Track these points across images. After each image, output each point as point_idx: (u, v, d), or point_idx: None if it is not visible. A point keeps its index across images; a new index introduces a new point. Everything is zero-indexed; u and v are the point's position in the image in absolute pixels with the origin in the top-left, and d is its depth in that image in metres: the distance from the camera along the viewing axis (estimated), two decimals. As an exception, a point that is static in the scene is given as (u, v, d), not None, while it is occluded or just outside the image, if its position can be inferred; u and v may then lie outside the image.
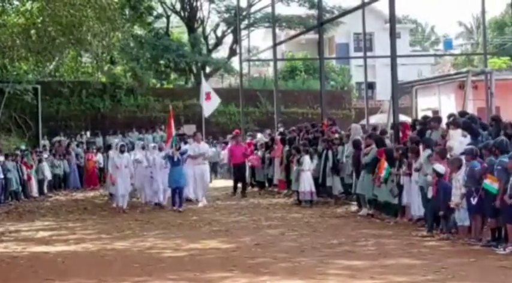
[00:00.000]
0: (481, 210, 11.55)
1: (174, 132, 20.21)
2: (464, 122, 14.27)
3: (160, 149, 20.29)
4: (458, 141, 13.39)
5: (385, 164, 14.88)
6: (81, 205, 21.56)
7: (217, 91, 37.62)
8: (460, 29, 70.72)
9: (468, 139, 13.47)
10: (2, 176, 21.89)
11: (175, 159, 18.75)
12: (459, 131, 13.84)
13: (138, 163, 20.15)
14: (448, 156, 12.87)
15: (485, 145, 12.00)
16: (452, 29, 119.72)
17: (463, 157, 12.23)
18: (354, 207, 17.21)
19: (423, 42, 74.52)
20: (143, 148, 21.30)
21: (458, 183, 11.97)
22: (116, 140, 30.80)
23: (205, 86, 26.89)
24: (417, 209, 13.95)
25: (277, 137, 23.06)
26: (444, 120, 16.17)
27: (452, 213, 12.25)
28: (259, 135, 27.17)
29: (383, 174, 14.87)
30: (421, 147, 14.00)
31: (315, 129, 21.39)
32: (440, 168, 12.40)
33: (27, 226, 16.54)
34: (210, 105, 26.84)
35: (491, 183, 11.10)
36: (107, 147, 24.66)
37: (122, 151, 19.46)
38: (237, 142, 23.26)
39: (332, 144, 18.97)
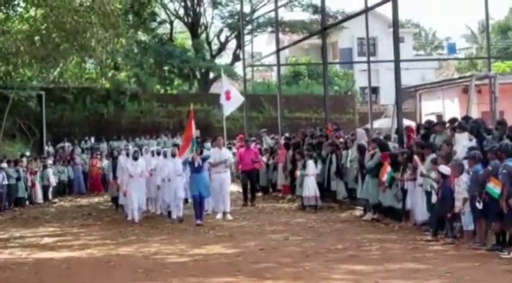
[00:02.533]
0: (486, 214, 11.54)
1: (194, 135, 17.36)
2: (471, 125, 14.28)
3: (173, 155, 18.04)
4: (462, 145, 13.38)
5: (388, 168, 14.87)
6: (86, 211, 21.62)
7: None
8: (465, 31, 70.79)
9: (473, 143, 13.46)
10: (6, 182, 21.95)
11: (196, 164, 16.63)
12: (465, 135, 13.84)
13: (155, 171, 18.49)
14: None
15: (491, 148, 11.99)
16: (455, 33, 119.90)
17: (465, 162, 12.24)
18: (358, 212, 17.20)
19: (426, 46, 74.48)
20: (158, 154, 19.25)
21: (460, 188, 11.97)
22: (123, 143, 30.90)
23: (225, 85, 24.00)
24: (421, 214, 13.93)
25: (282, 142, 23.03)
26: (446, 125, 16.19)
27: (457, 216, 12.25)
28: (268, 139, 26.66)
29: (385, 178, 14.86)
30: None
31: (320, 134, 21.42)
32: (445, 169, 12.41)
33: (31, 232, 16.57)
34: (231, 104, 23.78)
35: (494, 187, 11.09)
36: (111, 152, 23.96)
37: (135, 158, 17.96)
38: (246, 147, 21.58)
39: (336, 149, 18.97)
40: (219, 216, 17.63)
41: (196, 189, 16.55)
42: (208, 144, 18.94)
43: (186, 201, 18.51)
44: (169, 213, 18.05)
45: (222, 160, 17.83)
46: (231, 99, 22.82)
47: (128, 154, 18.55)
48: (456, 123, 14.85)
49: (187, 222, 16.95)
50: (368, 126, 27.80)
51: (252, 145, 23.49)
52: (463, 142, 13.47)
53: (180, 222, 17.05)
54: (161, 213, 18.82)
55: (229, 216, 17.59)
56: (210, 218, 17.71)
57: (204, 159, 16.91)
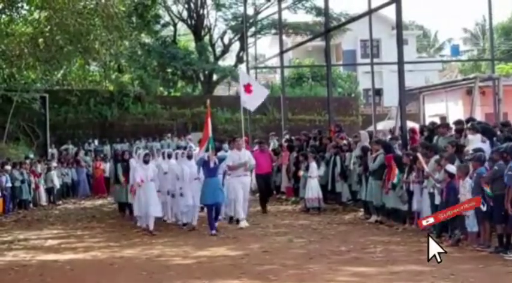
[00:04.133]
0: (490, 216, 11.52)
1: (210, 133, 15.71)
2: (484, 127, 14.30)
3: (189, 157, 16.39)
4: (475, 146, 13.37)
5: (396, 170, 14.86)
6: (90, 213, 21.62)
7: (225, 98, 37.81)
8: (464, 34, 70.78)
9: (487, 144, 13.47)
10: (10, 185, 21.98)
11: (212, 165, 15.10)
12: (478, 136, 13.85)
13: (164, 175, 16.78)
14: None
15: (496, 150, 11.97)
16: (456, 35, 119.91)
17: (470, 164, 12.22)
18: (362, 214, 17.17)
19: (429, 48, 74.48)
20: (170, 156, 17.46)
21: (465, 189, 11.95)
22: (126, 145, 30.78)
23: (244, 77, 20.50)
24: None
25: (284, 144, 22.98)
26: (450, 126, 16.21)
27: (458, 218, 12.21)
28: (276, 142, 26.28)
29: (395, 180, 14.85)
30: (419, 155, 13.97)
31: (321, 136, 21.41)
32: (452, 168, 12.38)
33: (35, 235, 16.58)
34: (253, 98, 19.92)
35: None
36: (115, 155, 23.15)
37: (146, 162, 16.06)
38: (261, 149, 20.00)
39: (340, 151, 18.97)
40: (242, 223, 16.13)
41: (211, 196, 15.05)
42: (225, 146, 17.26)
43: (201, 209, 16.64)
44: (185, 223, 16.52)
45: (242, 162, 16.43)
46: (252, 92, 19.69)
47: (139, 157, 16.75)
48: (469, 125, 14.84)
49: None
50: (372, 128, 27.80)
51: (256, 147, 22.91)
52: (477, 144, 13.47)
53: (190, 230, 15.85)
54: (176, 221, 17.11)
55: (245, 223, 16.24)
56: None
57: (220, 160, 15.45)
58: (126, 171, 18.27)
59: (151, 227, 15.63)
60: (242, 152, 16.75)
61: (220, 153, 16.24)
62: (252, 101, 19.22)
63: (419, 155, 13.82)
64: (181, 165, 16.32)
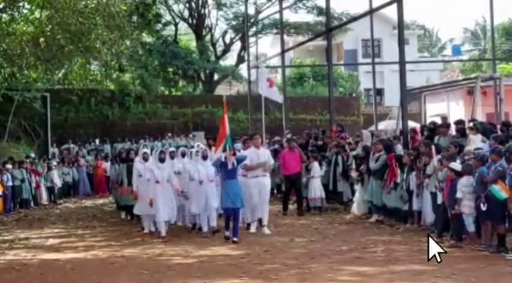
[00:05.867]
0: (491, 216, 11.50)
1: (228, 131, 14.45)
2: (484, 127, 14.30)
3: (205, 157, 14.93)
4: (476, 146, 13.35)
5: (398, 170, 14.86)
6: (90, 212, 21.63)
7: (226, 98, 37.74)
8: (464, 34, 70.76)
9: (487, 144, 13.46)
10: (11, 184, 21.98)
11: (230, 166, 13.78)
12: (479, 136, 13.84)
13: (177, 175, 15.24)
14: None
15: (493, 149, 11.95)
16: (457, 35, 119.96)
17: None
18: (363, 213, 17.15)
19: (431, 48, 74.48)
20: (183, 155, 16.01)
21: (467, 188, 11.92)
22: (127, 144, 30.72)
23: (265, 73, 20.94)
24: (431, 215, 13.83)
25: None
26: (452, 126, 16.20)
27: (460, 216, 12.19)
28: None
29: (398, 180, 14.83)
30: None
31: (324, 136, 21.38)
32: (457, 165, 12.34)
33: (36, 234, 16.59)
34: (273, 92, 20.96)
35: (500, 190, 11.03)
36: (118, 155, 21.40)
37: (161, 160, 14.82)
38: (290, 148, 18.55)
39: (343, 151, 18.95)
40: (253, 229, 14.99)
41: (230, 200, 13.71)
42: (239, 145, 15.86)
43: (219, 215, 15.39)
44: (194, 225, 15.53)
45: (261, 162, 14.88)
46: (273, 86, 20.50)
47: (144, 158, 15.75)
48: (471, 124, 14.84)
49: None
50: (373, 127, 27.76)
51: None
52: (478, 144, 13.46)
53: (214, 233, 14.63)
54: (184, 225, 16.09)
55: (266, 230, 14.90)
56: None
57: (239, 161, 14.05)
58: (131, 171, 16.79)
59: (163, 233, 14.59)
60: (261, 151, 15.25)
61: (240, 153, 14.85)
62: (275, 93, 20.66)
63: (432, 147, 13.69)
64: (196, 166, 14.93)
